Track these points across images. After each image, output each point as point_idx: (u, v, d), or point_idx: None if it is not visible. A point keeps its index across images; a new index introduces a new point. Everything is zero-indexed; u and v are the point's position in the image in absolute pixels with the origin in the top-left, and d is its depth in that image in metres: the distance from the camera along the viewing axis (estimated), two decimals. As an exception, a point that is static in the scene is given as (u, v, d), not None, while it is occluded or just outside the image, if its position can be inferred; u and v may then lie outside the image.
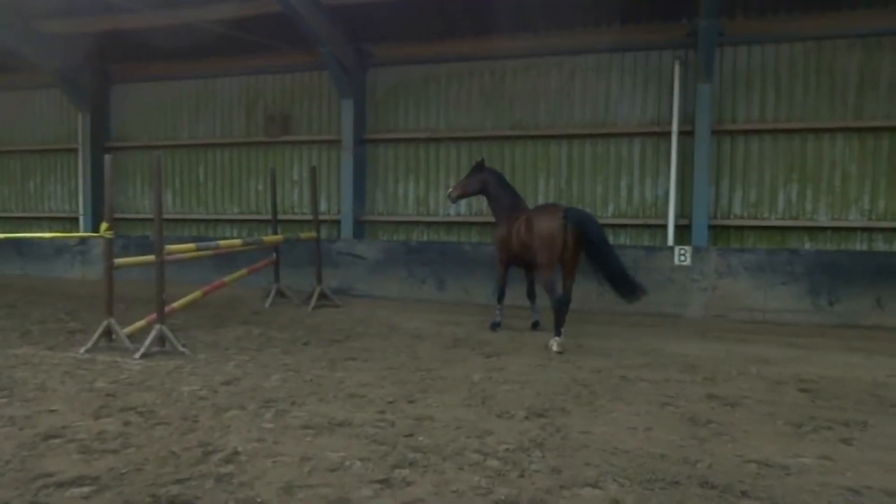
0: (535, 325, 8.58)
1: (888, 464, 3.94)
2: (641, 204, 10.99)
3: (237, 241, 9.00)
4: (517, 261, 8.30)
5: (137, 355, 6.42)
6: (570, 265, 7.55)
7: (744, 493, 3.48)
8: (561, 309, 7.30)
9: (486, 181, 8.69)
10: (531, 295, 8.77)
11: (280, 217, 11.62)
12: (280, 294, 10.53)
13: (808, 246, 10.17)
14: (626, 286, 7.38)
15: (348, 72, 11.90)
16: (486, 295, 10.71)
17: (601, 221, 8.82)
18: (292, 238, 10.39)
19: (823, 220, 10.14)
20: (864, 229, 10.00)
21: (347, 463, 3.80)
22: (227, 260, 11.16)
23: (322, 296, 10.24)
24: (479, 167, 8.88)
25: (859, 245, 10.03)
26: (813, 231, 10.23)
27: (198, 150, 13.73)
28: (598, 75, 11.16)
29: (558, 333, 7.23)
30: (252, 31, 11.62)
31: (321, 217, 11.60)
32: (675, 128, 10.42)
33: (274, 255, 10.55)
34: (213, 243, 8.35)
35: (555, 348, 7.08)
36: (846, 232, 10.09)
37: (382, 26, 11.57)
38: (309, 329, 8.30)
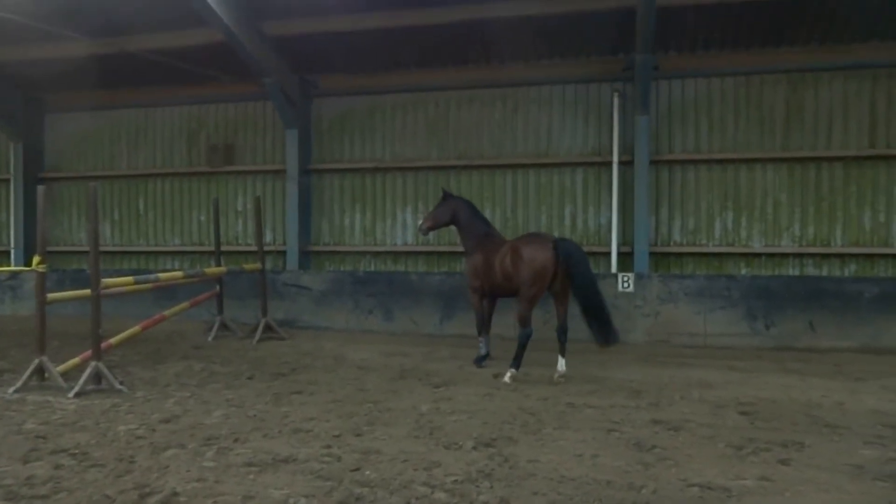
0: (478, 360, 8.13)
1: (823, 483, 4.06)
2: (585, 232, 11.21)
3: (178, 274, 8.78)
4: (497, 291, 7.93)
5: (71, 394, 6.14)
6: (562, 295, 7.33)
7: (688, 517, 3.53)
8: (526, 343, 7.21)
9: (455, 210, 8.48)
10: (485, 326, 8.35)
11: (224, 248, 11.40)
12: (223, 327, 10.27)
13: (744, 271, 10.54)
14: (604, 327, 7.17)
15: (293, 102, 11.87)
16: (433, 325, 10.70)
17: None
18: (236, 269, 10.20)
19: (758, 246, 10.54)
20: (795, 255, 10.44)
21: (292, 500, 3.70)
22: (168, 293, 10.86)
23: (267, 328, 10.04)
24: (446, 196, 8.69)
25: (791, 270, 10.45)
26: (748, 257, 10.61)
27: (137, 180, 13.41)
28: (541, 107, 11.42)
29: (515, 366, 7.20)
30: (195, 61, 11.49)
31: (266, 248, 11.42)
32: (615, 158, 10.72)
33: (217, 287, 10.32)
34: (152, 276, 8.11)
35: (506, 379, 7.06)
36: (779, 258, 10.51)
37: (328, 57, 11.61)
38: (253, 363, 8.11)
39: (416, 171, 11.94)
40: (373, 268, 12.16)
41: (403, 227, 12.03)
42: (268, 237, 12.41)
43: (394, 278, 11.15)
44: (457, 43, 11.02)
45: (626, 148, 10.76)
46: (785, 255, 10.49)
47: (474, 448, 4.69)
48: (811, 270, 10.41)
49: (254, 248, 11.40)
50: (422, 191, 11.93)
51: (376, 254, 12.19)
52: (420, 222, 8.97)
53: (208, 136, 12.98)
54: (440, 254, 11.83)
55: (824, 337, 9.34)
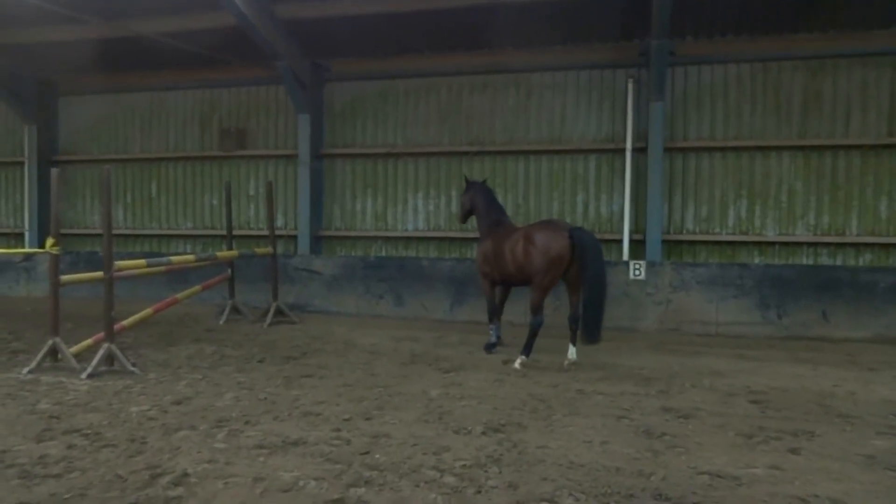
0: (489, 347, 8.11)
1: (834, 472, 4.04)
2: (597, 219, 11.14)
3: (190, 257, 8.83)
4: (508, 279, 7.86)
5: (84, 375, 6.21)
6: (576, 284, 7.26)
7: (697, 505, 3.52)
8: (537, 331, 7.18)
9: (473, 197, 8.50)
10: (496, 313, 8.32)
11: (235, 232, 11.44)
12: (235, 311, 10.33)
13: (757, 260, 10.45)
14: (594, 325, 7.06)
15: (305, 86, 11.84)
16: (443, 310, 10.71)
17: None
18: (248, 253, 10.24)
19: (771, 235, 10.44)
20: (809, 244, 10.33)
21: (301, 483, 3.72)
22: (180, 276, 10.94)
23: (278, 312, 10.08)
24: (468, 184, 8.69)
25: (805, 259, 10.35)
26: (762, 246, 10.52)
27: (150, 164, 13.45)
28: (554, 93, 11.33)
29: (526, 353, 7.19)
30: (207, 45, 11.47)
31: (277, 232, 11.45)
32: (629, 145, 10.62)
33: (229, 270, 10.37)
34: (164, 259, 8.17)
35: (516, 366, 7.06)
36: (793, 246, 10.40)
37: (340, 41, 11.56)
38: (264, 346, 8.15)
39: (427, 157, 11.90)
40: (384, 253, 12.16)
41: (415, 213, 12.01)
42: (279, 221, 12.43)
43: (405, 263, 11.15)
44: (470, 27, 10.92)
45: (640, 135, 10.66)
46: (799, 244, 10.38)
47: (483, 433, 4.70)
48: (825, 260, 10.30)
49: (265, 233, 11.43)
50: (433, 176, 11.90)
51: (387, 239, 12.19)
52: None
53: (221, 120, 12.99)
54: (451, 239, 11.81)
55: (837, 327, 9.27)
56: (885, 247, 10.07)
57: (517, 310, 9.47)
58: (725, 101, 10.62)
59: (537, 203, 11.43)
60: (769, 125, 10.45)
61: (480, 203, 8.40)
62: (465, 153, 11.67)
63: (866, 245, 10.13)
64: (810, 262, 10.31)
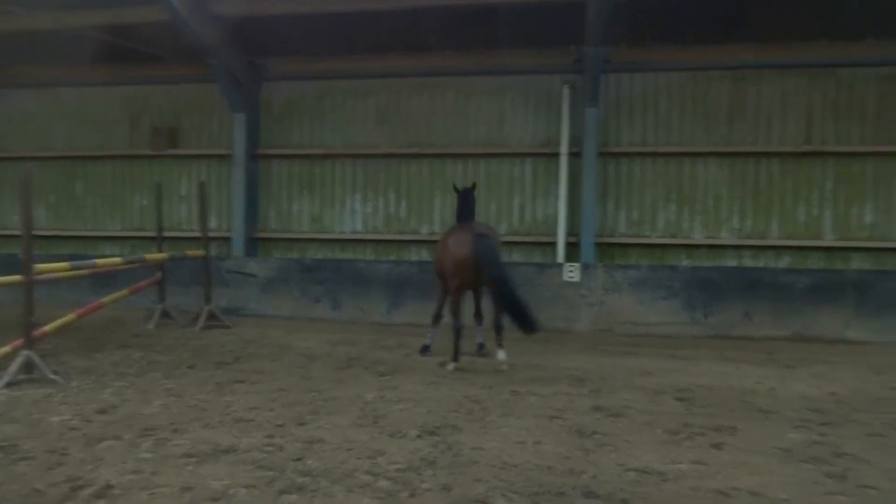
0: (481, 348, 8.10)
1: (754, 465, 4.23)
2: (533, 222, 11.32)
3: (117, 260, 8.53)
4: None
5: (0, 385, 5.91)
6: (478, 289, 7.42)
7: (624, 501, 3.62)
8: (455, 335, 7.18)
9: (455, 203, 8.44)
10: (477, 315, 8.21)
11: (166, 234, 11.08)
12: (165, 315, 10.03)
13: (685, 262, 10.82)
14: (522, 318, 7.03)
15: (241, 85, 11.61)
16: (381, 313, 10.69)
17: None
18: (179, 256, 9.96)
19: (698, 238, 10.83)
20: (733, 247, 10.77)
21: (231, 491, 3.65)
22: (107, 279, 10.53)
23: (211, 316, 9.84)
24: (457, 192, 8.52)
25: (730, 261, 10.78)
26: (689, 248, 10.90)
27: (76, 162, 12.92)
28: (493, 96, 11.45)
29: (453, 357, 7.20)
30: (138, 40, 11.12)
31: (211, 234, 11.17)
32: (564, 149, 10.84)
33: (159, 273, 10.06)
34: (90, 262, 7.86)
35: (449, 369, 7.10)
36: (718, 249, 10.82)
37: (277, 40, 11.39)
38: (195, 351, 7.95)
39: (365, 159, 11.84)
40: (321, 255, 12.02)
41: (352, 215, 11.93)
42: (213, 223, 12.14)
43: (342, 266, 11.07)
44: (409, 30, 10.93)
45: (576, 139, 10.89)
46: (724, 247, 10.81)
47: (418, 436, 4.71)
48: (748, 262, 10.75)
49: (198, 234, 11.11)
50: (371, 178, 11.85)
51: (324, 241, 12.06)
52: None
53: (152, 117, 12.59)
54: (389, 242, 11.78)
55: (759, 326, 9.69)
56: (803, 249, 10.59)
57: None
58: (656, 108, 10.96)
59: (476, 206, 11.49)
60: (697, 132, 10.85)
61: (457, 208, 8.40)
62: (404, 155, 11.67)
63: (786, 248, 10.63)
64: (734, 264, 10.74)
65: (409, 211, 11.76)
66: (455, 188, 8.62)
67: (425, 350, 8.01)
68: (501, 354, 7.26)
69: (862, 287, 9.57)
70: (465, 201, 8.27)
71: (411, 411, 5.40)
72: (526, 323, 7.04)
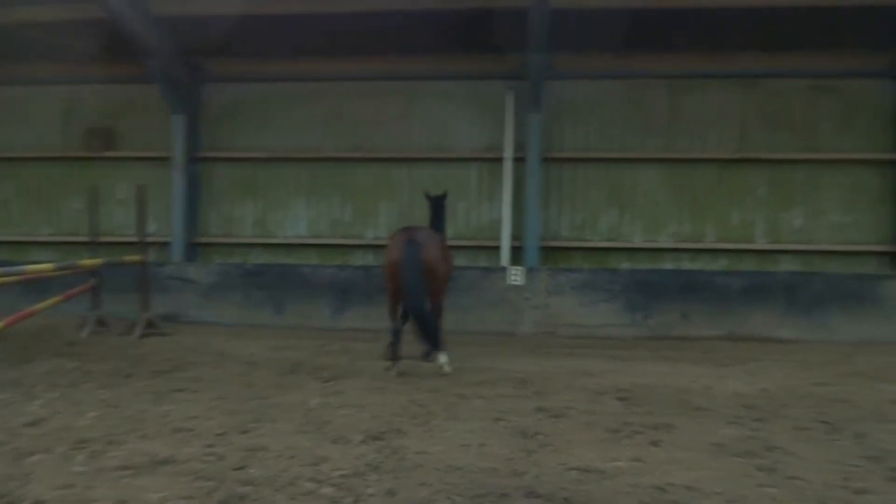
0: (428, 354, 7.89)
1: (689, 461, 4.36)
2: (478, 226, 11.42)
3: (49, 266, 8.21)
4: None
5: (-79, 397, 5.62)
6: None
7: (566, 500, 3.69)
8: (393, 338, 7.20)
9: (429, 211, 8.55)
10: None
11: (102, 239, 10.73)
12: (100, 323, 9.69)
13: (625, 265, 11.09)
14: (425, 336, 7.05)
15: (181, 86, 11.36)
16: (326, 318, 10.59)
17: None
18: (115, 261, 9.65)
19: (638, 241, 11.13)
20: (671, 250, 11.11)
21: (170, 503, 3.56)
22: (37, 286, 10.12)
23: (148, 324, 9.57)
24: (429, 200, 8.70)
25: (668, 264, 11.11)
26: (630, 252, 11.18)
27: (5, 164, 12.38)
28: (438, 101, 11.51)
29: (391, 359, 7.21)
30: (72, 37, 10.74)
31: (149, 239, 10.87)
32: (508, 154, 10.97)
33: (93, 280, 9.72)
34: (18, 268, 7.55)
35: (392, 373, 7.08)
36: (657, 252, 11.14)
37: (218, 41, 11.13)
38: (132, 360, 7.71)
39: (310, 163, 11.73)
40: (264, 260, 11.84)
41: (296, 219, 11.80)
42: (151, 228, 11.78)
43: (286, 271, 10.93)
44: (355, 33, 10.88)
45: (520, 145, 11.04)
46: (662, 250, 11.14)
47: (363, 441, 4.69)
48: (686, 264, 11.10)
49: (135, 239, 10.80)
50: (316, 182, 11.75)
51: (268, 246, 11.89)
52: None
53: (87, 118, 12.17)
54: (334, 247, 11.70)
55: (696, 326, 10.01)
56: (737, 252, 11.00)
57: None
58: (597, 115, 11.22)
59: (422, 210, 11.51)
60: (637, 139, 11.15)
61: (430, 215, 8.52)
62: (349, 159, 11.62)
63: (721, 251, 11.03)
64: (672, 266, 11.07)
65: (354, 215, 11.71)
66: (427, 196, 8.64)
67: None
68: (442, 358, 7.23)
69: (791, 288, 10.00)
70: (436, 209, 8.45)
71: (356, 417, 5.37)
72: (428, 340, 7.07)
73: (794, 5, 9.69)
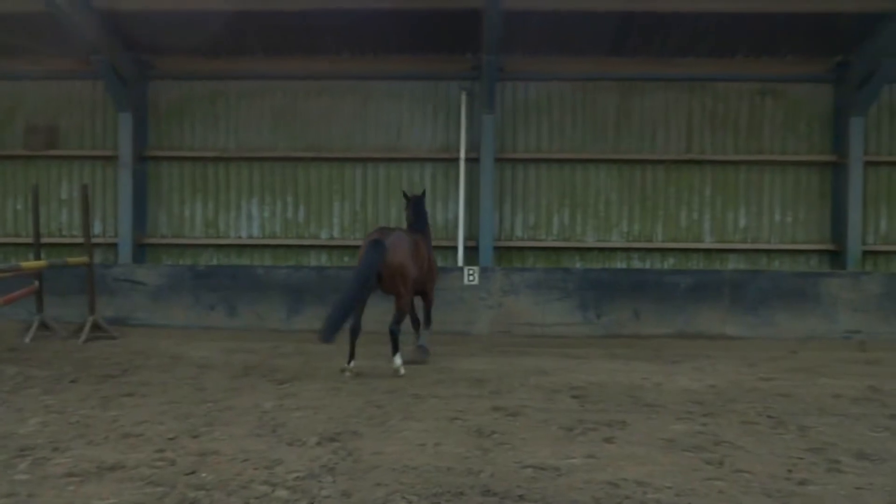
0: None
1: (641, 456, 4.45)
2: (434, 226, 11.37)
3: (-12, 268, 7.90)
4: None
5: None
6: (387, 292, 7.41)
7: (521, 497, 3.72)
8: (350, 336, 7.10)
9: (408, 210, 8.41)
10: (414, 321, 8.29)
11: (45, 240, 10.40)
12: (44, 327, 9.37)
13: (578, 265, 11.26)
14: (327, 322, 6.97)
15: (126, 83, 11.05)
16: (280, 320, 10.45)
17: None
18: (59, 263, 9.33)
19: (590, 241, 11.32)
20: (623, 249, 11.33)
21: (118, 510, 3.47)
22: (-25, 289, 9.73)
23: (95, 327, 9.29)
24: (406, 199, 8.52)
25: (619, 263, 11.33)
26: (582, 251, 11.37)
27: (-62, 163, 11.87)
28: (391, 101, 11.49)
29: (348, 360, 7.16)
30: (10, 31, 10.35)
31: (95, 240, 10.57)
32: (462, 154, 11.03)
33: (36, 282, 9.39)
34: (-45, 271, 7.25)
35: (346, 374, 7.05)
36: (609, 252, 11.35)
37: (165, 37, 10.91)
38: (78, 364, 7.47)
39: (262, 162, 11.57)
40: (215, 261, 11.63)
41: (249, 219, 11.63)
42: (97, 228, 11.49)
43: (238, 272, 10.74)
44: (306, 31, 10.78)
45: (473, 145, 11.10)
46: (614, 250, 11.35)
47: (318, 443, 4.64)
48: (636, 263, 11.34)
49: (80, 240, 10.49)
50: (268, 182, 11.59)
51: (219, 247, 11.68)
52: None
53: (27, 115, 11.75)
54: (288, 247, 11.56)
55: (646, 324, 10.22)
56: (685, 251, 11.29)
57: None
58: (549, 115, 11.37)
59: (375, 210, 11.52)
60: (588, 139, 11.34)
61: (410, 214, 8.38)
62: (302, 159, 11.49)
63: (670, 250, 11.30)
64: (624, 265, 11.30)
65: (307, 215, 11.60)
66: (405, 195, 8.58)
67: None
68: (396, 359, 7.20)
69: (737, 286, 10.30)
70: (416, 209, 8.37)
71: (311, 418, 5.32)
72: (325, 326, 6.90)
73: (739, 12, 10.00)
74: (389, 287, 7.31)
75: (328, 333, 6.81)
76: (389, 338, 7.26)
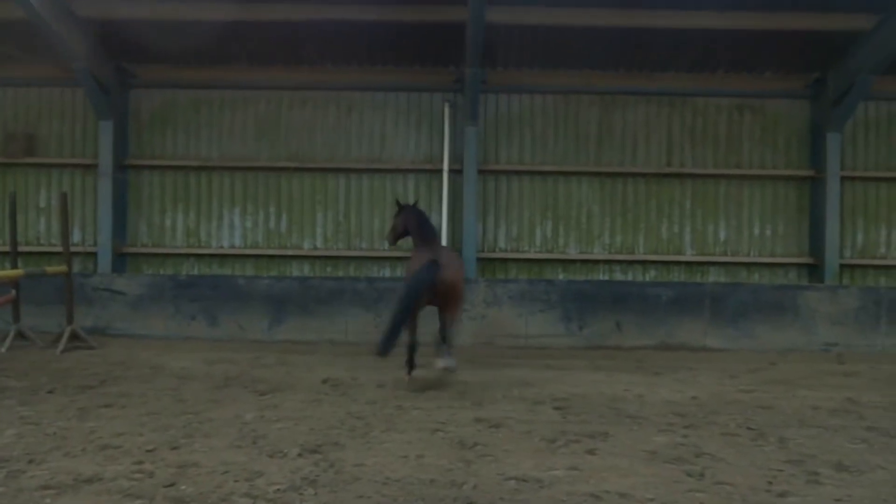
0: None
1: (623, 468, 4.47)
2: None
3: (-37, 277, 7.77)
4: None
5: None
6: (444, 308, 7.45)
7: (504, 509, 3.72)
8: (407, 349, 7.16)
9: (406, 220, 8.28)
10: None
11: (22, 249, 10.27)
12: (20, 336, 9.22)
13: (560, 276, 11.31)
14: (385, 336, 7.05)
15: (108, 91, 10.97)
16: (261, 330, 10.37)
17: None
18: (36, 272, 9.20)
19: (573, 253, 11.38)
20: (605, 261, 11.41)
21: (95, 523, 3.41)
22: (-51, 299, 9.55)
23: (73, 337, 9.16)
24: (399, 207, 8.48)
25: (602, 275, 11.40)
26: (565, 263, 11.42)
27: (-87, 169, 11.67)
28: (375, 112, 11.51)
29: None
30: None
31: (74, 249, 10.45)
32: (445, 166, 11.06)
33: (13, 291, 9.25)
34: (-71, 280, 7.11)
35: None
36: (591, 264, 11.42)
37: (148, 46, 10.85)
38: (55, 375, 7.36)
39: (244, 172, 11.52)
40: (196, 271, 11.53)
41: (231, 229, 11.55)
42: (76, 237, 11.36)
43: (219, 282, 10.65)
44: (289, 41, 10.79)
45: (456, 157, 11.15)
46: (596, 262, 11.42)
47: (300, 455, 4.61)
48: (618, 275, 11.42)
49: (59, 249, 10.35)
50: (251, 192, 11.54)
51: (200, 256, 11.58)
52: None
53: (5, 122, 11.61)
54: (270, 257, 11.50)
55: (628, 336, 10.27)
56: (667, 264, 11.39)
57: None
58: (532, 128, 11.45)
59: (358, 222, 11.51)
60: (570, 152, 11.43)
61: (412, 225, 8.22)
62: (284, 169, 11.46)
63: (651, 262, 11.40)
64: (606, 277, 11.37)
65: (290, 225, 11.55)
66: (398, 203, 8.51)
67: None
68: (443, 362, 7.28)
69: (717, 299, 10.39)
70: (420, 218, 8.27)
71: (292, 430, 5.27)
72: (382, 340, 6.96)
73: (719, 28, 10.16)
74: (443, 303, 7.35)
75: (385, 347, 6.88)
76: (441, 344, 7.27)
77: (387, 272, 11.48)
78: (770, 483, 4.23)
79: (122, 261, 11.45)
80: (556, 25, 10.16)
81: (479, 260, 11.15)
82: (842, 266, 11.21)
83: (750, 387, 7.44)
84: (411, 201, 11.23)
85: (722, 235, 11.47)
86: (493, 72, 11.12)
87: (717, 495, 3.99)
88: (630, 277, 11.38)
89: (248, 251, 11.48)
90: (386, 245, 8.79)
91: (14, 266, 9.32)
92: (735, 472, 4.42)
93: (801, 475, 4.40)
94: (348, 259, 11.48)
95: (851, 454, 4.89)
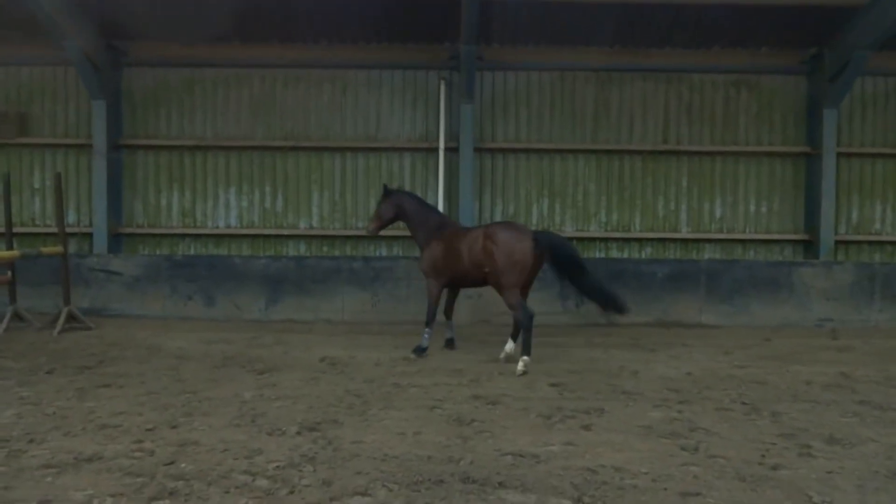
0: (450, 343, 8.22)
1: (618, 443, 4.53)
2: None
3: (-42, 259, 7.75)
4: (462, 280, 7.78)
5: None
6: (527, 286, 7.46)
7: (500, 484, 3.77)
8: (529, 326, 7.00)
9: (399, 204, 8.18)
10: (449, 312, 8.36)
11: (17, 230, 10.24)
12: (17, 318, 9.23)
13: (557, 254, 11.30)
14: (607, 301, 7.37)
15: (100, 70, 10.86)
16: (258, 310, 10.39)
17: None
18: (32, 253, 9.19)
19: (569, 230, 11.37)
20: (601, 239, 11.41)
21: (95, 501, 3.45)
22: (-55, 280, 9.54)
23: (70, 317, 9.18)
24: (387, 193, 8.32)
25: (598, 253, 11.41)
26: (561, 241, 11.40)
27: None
28: (370, 90, 11.42)
29: (526, 352, 6.91)
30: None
31: (69, 229, 10.43)
32: (441, 144, 11.01)
33: (8, 273, 9.24)
34: (-76, 261, 7.10)
35: (520, 368, 6.75)
36: (588, 241, 11.42)
37: (139, 23, 10.73)
38: (53, 356, 7.39)
39: (239, 151, 11.46)
40: (192, 251, 11.52)
41: (227, 209, 11.52)
42: (71, 217, 11.31)
43: (215, 262, 10.64)
44: (284, 19, 10.67)
45: (452, 135, 11.09)
46: (593, 239, 11.43)
47: (298, 433, 4.66)
48: (615, 253, 11.44)
49: (54, 230, 10.33)
50: (246, 171, 11.49)
51: (197, 236, 11.56)
52: (367, 224, 8.81)
53: (-4, 102, 11.52)
54: (266, 236, 11.48)
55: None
56: (663, 241, 11.41)
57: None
58: (528, 105, 11.38)
59: (354, 200, 11.48)
60: (566, 130, 11.37)
61: (411, 209, 8.15)
62: (280, 148, 11.40)
63: (647, 240, 11.41)
64: (602, 255, 11.38)
65: (285, 205, 11.52)
66: (386, 188, 8.41)
67: (422, 351, 7.70)
68: (510, 347, 7.57)
69: (713, 275, 10.43)
70: (423, 200, 8.32)
71: (291, 408, 5.32)
72: (614, 303, 7.45)
73: (715, 4, 10.08)
74: (529, 280, 7.47)
75: (622, 305, 7.38)
76: (528, 329, 7.08)
77: (383, 251, 11.49)
78: (763, 456, 4.29)
79: (117, 241, 11.43)
80: (552, 1, 10.06)
81: (476, 238, 11.13)
82: (837, 242, 11.24)
83: (744, 362, 7.51)
84: (407, 180, 11.37)
85: (718, 212, 11.47)
86: (489, 49, 11.03)
87: (710, 469, 4.05)
88: (626, 255, 11.40)
89: (244, 231, 11.45)
90: (366, 233, 8.65)
91: (9, 247, 9.31)
92: (729, 446, 4.48)
93: (793, 448, 4.46)
94: (344, 238, 11.47)
95: (843, 427, 4.96)
